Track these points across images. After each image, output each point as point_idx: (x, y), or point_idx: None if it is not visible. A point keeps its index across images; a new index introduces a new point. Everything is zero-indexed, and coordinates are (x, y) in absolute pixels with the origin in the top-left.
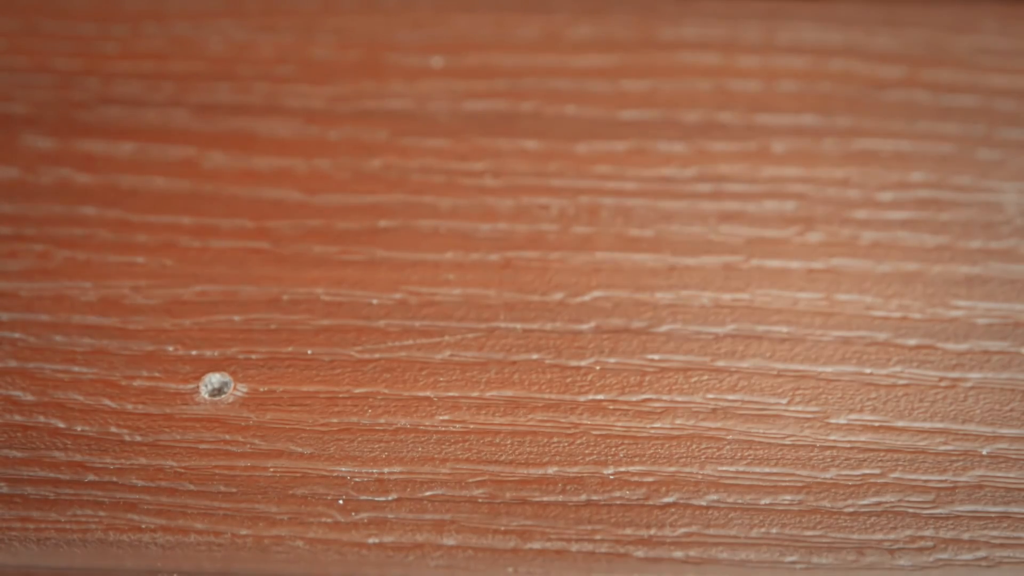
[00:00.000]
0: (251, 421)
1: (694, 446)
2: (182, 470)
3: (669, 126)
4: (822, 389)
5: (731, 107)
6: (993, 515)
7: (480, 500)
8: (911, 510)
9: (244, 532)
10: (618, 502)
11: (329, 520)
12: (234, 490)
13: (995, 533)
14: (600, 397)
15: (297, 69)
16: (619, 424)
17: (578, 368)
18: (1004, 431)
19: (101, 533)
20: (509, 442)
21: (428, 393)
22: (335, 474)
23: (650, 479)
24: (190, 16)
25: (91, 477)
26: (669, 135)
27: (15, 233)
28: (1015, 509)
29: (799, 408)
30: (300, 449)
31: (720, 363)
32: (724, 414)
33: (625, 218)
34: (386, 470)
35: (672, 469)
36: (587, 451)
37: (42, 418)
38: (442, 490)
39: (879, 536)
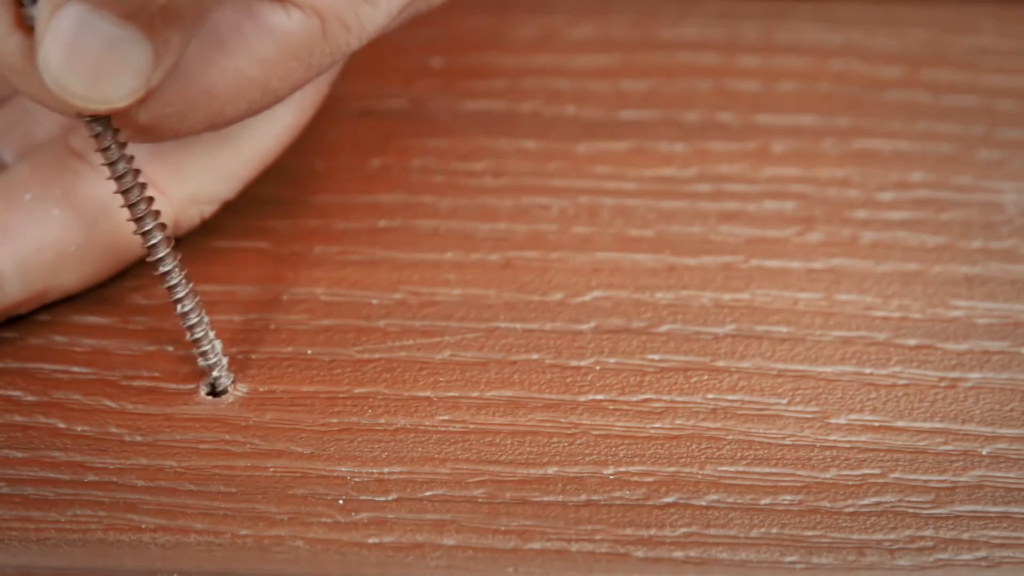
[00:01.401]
0: (251, 421)
1: (694, 446)
2: (182, 470)
3: (669, 126)
4: (822, 389)
5: (731, 107)
6: (993, 515)
7: (480, 500)
8: (911, 510)
9: (244, 532)
10: (618, 502)
11: (329, 520)
12: (234, 490)
13: (995, 533)
14: (600, 397)
15: None
16: (619, 424)
17: (578, 368)
18: (1004, 431)
19: (101, 533)
20: (509, 442)
21: (428, 393)
22: (335, 474)
23: (650, 479)
24: None
25: (91, 477)
26: (669, 135)
27: None
28: (1015, 509)
29: (799, 408)
30: (300, 449)
31: (720, 363)
32: (724, 414)
33: (625, 218)
34: (386, 470)
35: (672, 469)
36: (587, 451)
37: (42, 418)
38: (442, 490)
39: (879, 536)
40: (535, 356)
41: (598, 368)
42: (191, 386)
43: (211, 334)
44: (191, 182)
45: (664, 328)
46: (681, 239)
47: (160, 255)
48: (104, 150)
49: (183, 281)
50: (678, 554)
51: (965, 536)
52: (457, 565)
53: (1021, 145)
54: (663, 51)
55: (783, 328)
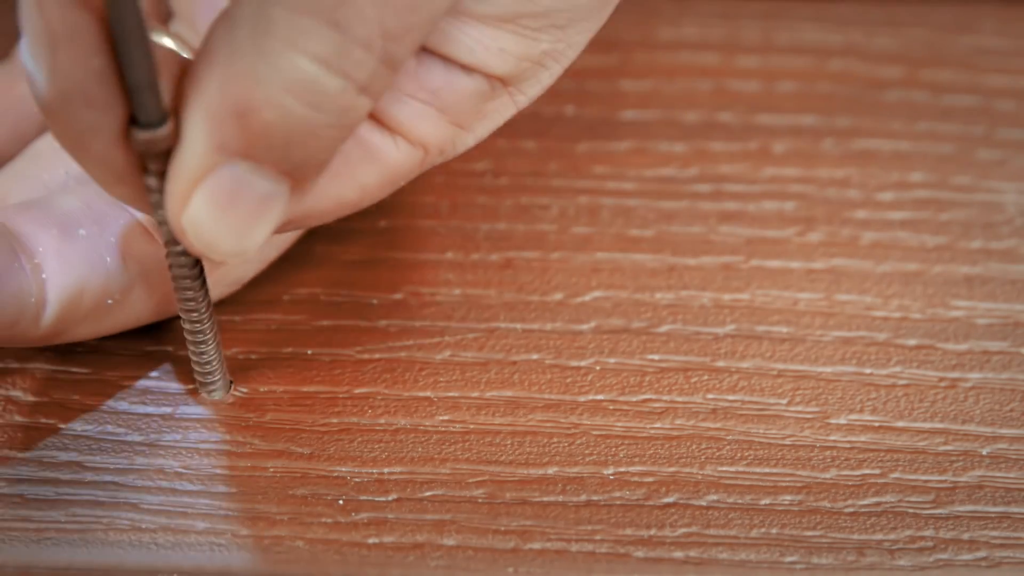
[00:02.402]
0: (251, 421)
1: (694, 446)
2: (182, 470)
3: (669, 126)
4: (822, 389)
5: (731, 107)
6: (993, 515)
7: (480, 500)
8: (911, 510)
9: (244, 532)
10: (618, 502)
11: (329, 520)
12: (234, 490)
13: (995, 533)
14: (600, 397)
15: None
16: (619, 424)
17: (578, 368)
18: (1004, 431)
19: (101, 533)
20: (509, 442)
21: (428, 393)
22: (335, 474)
23: (650, 479)
24: None
25: (91, 477)
26: (669, 135)
27: None
28: (1015, 509)
29: (799, 408)
30: (300, 449)
31: (720, 363)
32: (724, 414)
33: (625, 218)
34: (386, 470)
35: (672, 469)
36: (587, 451)
37: (42, 418)
38: (442, 490)
39: (879, 536)
40: (535, 356)
41: (598, 368)
42: (191, 386)
43: (227, 377)
44: (221, 266)
45: (664, 328)
46: (681, 239)
47: (205, 349)
48: (179, 266)
49: (216, 358)
50: (678, 554)
51: (965, 536)
52: (457, 565)
53: (1021, 145)
54: (663, 51)
55: (783, 328)
